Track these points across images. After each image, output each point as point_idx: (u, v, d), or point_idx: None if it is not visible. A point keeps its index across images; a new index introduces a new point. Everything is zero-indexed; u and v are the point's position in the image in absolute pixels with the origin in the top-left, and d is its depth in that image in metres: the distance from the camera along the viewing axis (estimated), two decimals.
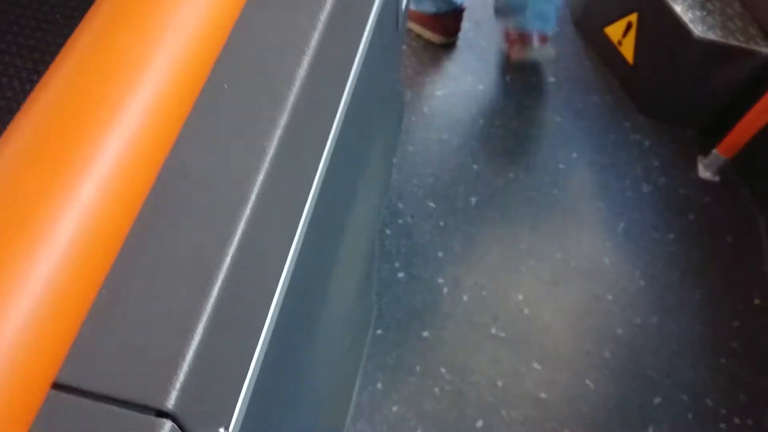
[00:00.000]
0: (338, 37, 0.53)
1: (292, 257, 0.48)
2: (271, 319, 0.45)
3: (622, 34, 1.95)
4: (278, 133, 0.40)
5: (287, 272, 0.47)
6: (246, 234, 0.37)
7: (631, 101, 1.99)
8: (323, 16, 0.46)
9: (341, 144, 0.61)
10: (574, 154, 1.87)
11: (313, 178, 0.52)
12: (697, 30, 1.70)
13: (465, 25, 2.11)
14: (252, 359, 0.42)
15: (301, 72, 0.44)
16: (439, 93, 1.93)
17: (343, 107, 0.61)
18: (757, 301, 1.67)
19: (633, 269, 1.68)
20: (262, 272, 0.43)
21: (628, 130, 1.94)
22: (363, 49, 0.66)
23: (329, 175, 0.57)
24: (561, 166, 1.85)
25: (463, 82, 1.97)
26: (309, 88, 0.45)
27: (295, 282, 0.50)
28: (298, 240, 0.50)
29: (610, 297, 1.62)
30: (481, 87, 1.97)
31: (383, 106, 1.17)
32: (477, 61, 2.04)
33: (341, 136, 0.60)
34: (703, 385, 1.55)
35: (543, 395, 1.46)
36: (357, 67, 0.64)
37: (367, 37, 0.67)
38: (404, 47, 1.99)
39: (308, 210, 0.52)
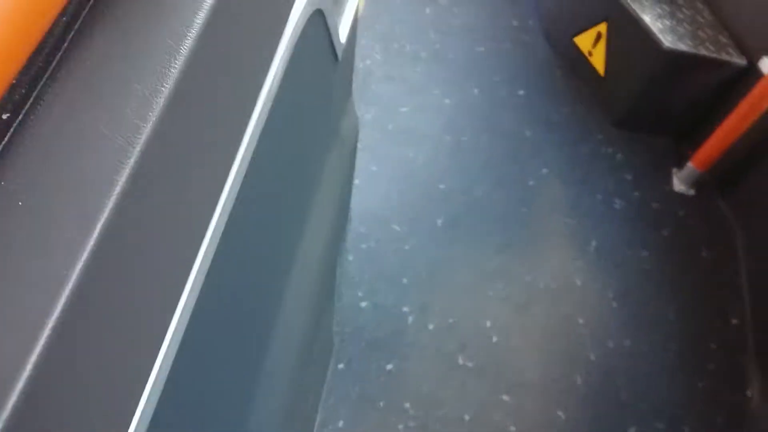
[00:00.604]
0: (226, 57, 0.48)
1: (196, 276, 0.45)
2: (172, 341, 0.41)
3: (592, 45, 1.89)
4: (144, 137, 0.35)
5: (189, 291, 0.43)
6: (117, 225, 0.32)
7: (603, 113, 1.94)
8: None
9: (259, 167, 0.56)
10: (544, 170, 1.82)
11: (216, 200, 0.48)
12: (667, 40, 1.64)
13: (431, 36, 2.04)
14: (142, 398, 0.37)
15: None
16: (404, 109, 1.86)
17: (259, 129, 0.56)
18: (734, 321, 1.61)
19: (605, 289, 1.63)
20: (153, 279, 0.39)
21: (601, 142, 1.89)
22: (274, 75, 0.61)
23: (242, 197, 0.53)
24: (530, 182, 1.79)
25: (430, 97, 1.91)
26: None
27: (207, 307, 0.46)
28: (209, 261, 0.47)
29: (581, 320, 1.56)
30: (447, 101, 1.90)
31: (329, 129, 1.12)
32: (444, 73, 1.97)
33: (261, 157, 0.56)
34: (681, 407, 1.50)
35: (512, 428, 1.40)
36: (269, 92, 0.59)
37: (280, 65, 0.62)
38: (368, 62, 1.93)
39: (215, 230, 0.48)
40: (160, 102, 0.37)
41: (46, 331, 0.28)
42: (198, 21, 0.41)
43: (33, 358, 0.27)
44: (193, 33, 0.40)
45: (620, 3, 1.73)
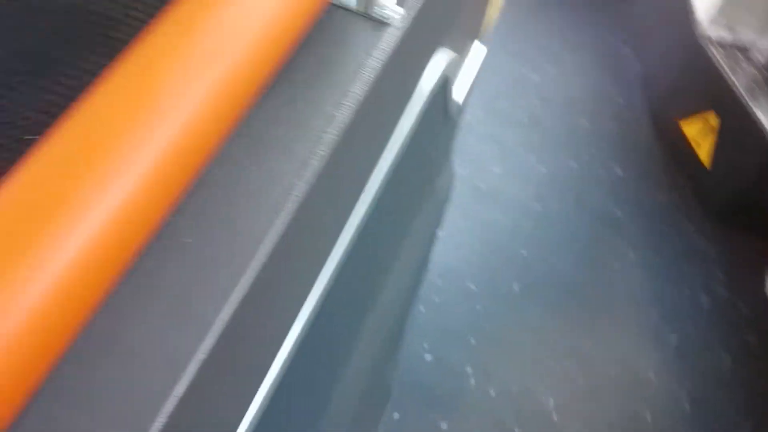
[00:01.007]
0: (371, 120, 0.51)
1: (305, 320, 0.47)
2: (272, 380, 0.43)
3: (699, 133, 1.85)
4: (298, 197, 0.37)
5: (295, 336, 0.46)
6: (252, 291, 0.34)
7: (700, 204, 1.87)
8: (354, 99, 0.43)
9: (372, 214, 0.59)
10: (632, 254, 1.77)
11: (332, 246, 0.51)
12: None
13: (534, 101, 2.05)
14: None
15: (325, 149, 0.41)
16: (497, 170, 1.87)
17: (377, 184, 0.58)
18: None
19: (679, 389, 1.55)
20: (266, 330, 0.41)
21: (695, 234, 1.83)
22: (399, 136, 0.63)
23: (354, 245, 0.55)
24: (615, 264, 1.74)
25: (525, 162, 1.90)
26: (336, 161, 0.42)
27: (303, 347, 0.48)
28: (313, 303, 0.49)
29: (649, 418, 1.49)
30: (542, 169, 1.90)
31: (427, 182, 1.14)
32: (542, 141, 1.97)
33: (374, 207, 0.59)
34: None
35: None
36: (392, 150, 0.61)
37: (405, 127, 0.64)
38: (468, 118, 1.95)
39: (327, 276, 0.51)
40: (315, 164, 0.40)
41: (196, 364, 0.30)
42: (356, 93, 0.44)
43: (181, 388, 0.29)
44: (351, 104, 0.43)
45: (737, 97, 1.69)
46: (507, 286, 1.65)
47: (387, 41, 0.47)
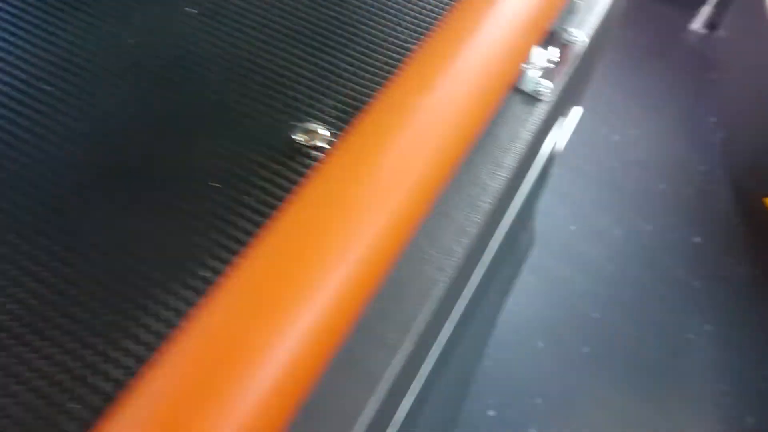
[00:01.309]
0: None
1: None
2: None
3: None
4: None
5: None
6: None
7: None
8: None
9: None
10: (708, 327, 1.71)
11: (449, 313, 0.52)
12: None
13: (614, 163, 2.04)
14: None
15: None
16: (572, 228, 1.85)
17: (495, 246, 0.60)
18: None
19: None
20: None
21: None
22: (522, 196, 0.64)
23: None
24: (690, 336, 1.69)
25: (600, 223, 1.88)
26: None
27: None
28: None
29: None
30: (618, 231, 1.87)
31: (514, 240, 1.15)
32: (619, 203, 1.94)
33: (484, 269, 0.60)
34: None
35: None
36: (512, 213, 0.62)
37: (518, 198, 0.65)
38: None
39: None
40: (473, 231, 0.41)
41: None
42: (509, 164, 0.45)
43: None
44: (504, 175, 0.44)
45: None
46: (576, 349, 1.62)
47: (537, 115, 0.48)
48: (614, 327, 1.67)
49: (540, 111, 0.48)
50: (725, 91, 2.31)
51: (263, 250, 0.30)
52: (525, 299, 1.67)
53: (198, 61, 0.50)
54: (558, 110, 0.62)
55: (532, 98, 0.48)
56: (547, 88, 0.49)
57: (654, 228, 1.90)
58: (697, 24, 2.57)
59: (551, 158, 0.92)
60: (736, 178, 2.04)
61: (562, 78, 0.51)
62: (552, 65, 0.51)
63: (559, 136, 1.04)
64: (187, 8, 0.53)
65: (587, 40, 0.54)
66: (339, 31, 0.52)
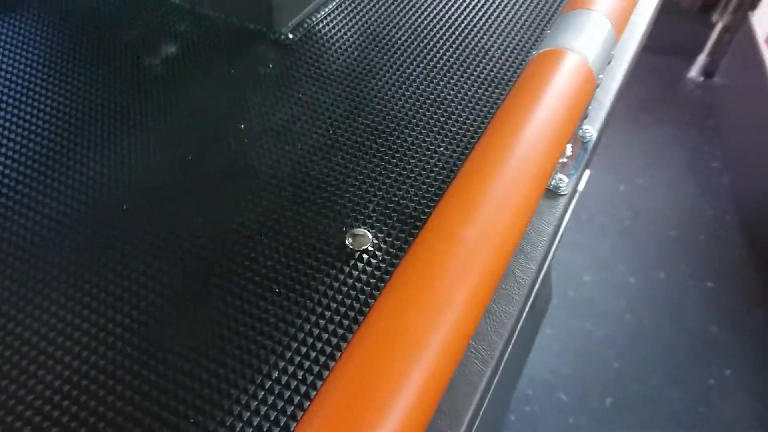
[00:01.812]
0: None
1: None
2: None
3: None
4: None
5: None
6: None
7: None
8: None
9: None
10: (728, 371, 1.72)
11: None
12: None
13: (623, 212, 2.08)
14: None
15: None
16: (587, 278, 1.89)
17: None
18: None
19: None
20: None
21: None
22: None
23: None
24: (711, 381, 1.70)
25: (614, 272, 1.92)
26: None
27: None
28: None
29: None
30: (632, 280, 1.90)
31: (534, 300, 1.18)
32: (632, 251, 1.98)
33: None
34: None
35: None
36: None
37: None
38: None
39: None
40: (509, 323, 0.46)
41: None
42: (537, 257, 0.50)
43: None
44: (534, 268, 0.49)
45: None
46: (599, 400, 1.63)
47: (559, 209, 0.53)
48: (636, 376, 1.69)
49: (561, 204, 0.53)
50: (726, 136, 2.37)
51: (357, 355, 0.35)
52: (546, 353, 1.70)
53: (251, 173, 0.55)
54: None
55: (554, 193, 0.53)
56: (566, 183, 0.54)
57: (667, 275, 1.93)
58: (695, 72, 2.66)
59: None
60: (745, 222, 2.08)
61: (579, 171, 0.57)
62: (567, 160, 0.57)
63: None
64: (240, 125, 0.59)
65: (597, 134, 0.60)
66: (377, 139, 0.58)
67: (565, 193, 0.54)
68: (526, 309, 0.65)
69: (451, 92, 0.63)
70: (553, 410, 1.61)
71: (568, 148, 0.57)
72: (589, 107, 0.58)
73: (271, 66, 0.66)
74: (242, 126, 0.60)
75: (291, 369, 0.42)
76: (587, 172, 1.29)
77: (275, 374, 0.42)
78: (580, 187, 1.28)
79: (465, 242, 0.36)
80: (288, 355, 0.43)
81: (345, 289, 0.47)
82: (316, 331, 0.44)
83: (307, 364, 0.42)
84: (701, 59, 2.65)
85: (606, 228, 2.03)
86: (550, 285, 1.47)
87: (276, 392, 0.41)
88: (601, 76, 0.50)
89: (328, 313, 0.45)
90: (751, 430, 1.62)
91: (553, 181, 0.54)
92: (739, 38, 2.47)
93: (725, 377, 1.72)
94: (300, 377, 0.41)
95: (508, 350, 0.61)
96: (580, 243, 1.97)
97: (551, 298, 1.42)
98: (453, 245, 0.36)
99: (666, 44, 2.79)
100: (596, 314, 1.81)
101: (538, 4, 0.75)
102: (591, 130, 0.59)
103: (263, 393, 0.41)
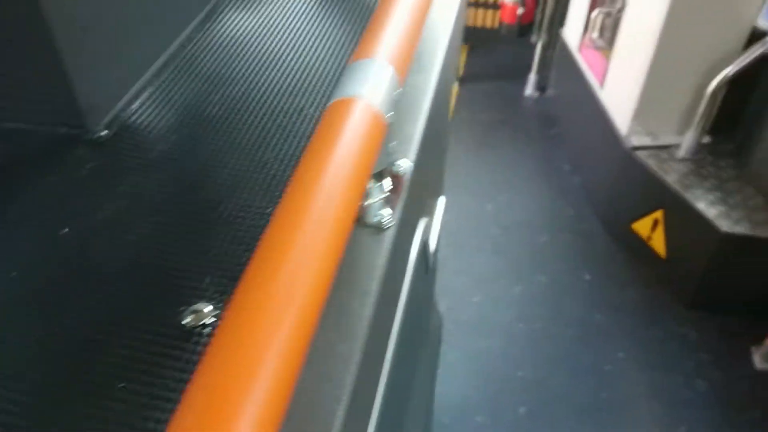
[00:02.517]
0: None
1: None
2: None
3: (650, 230, 2.00)
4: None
5: None
6: None
7: (670, 295, 1.99)
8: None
9: (390, 371, 0.65)
10: (620, 354, 1.84)
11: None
12: (724, 225, 1.74)
13: (494, 230, 2.20)
14: None
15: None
16: (475, 299, 1.96)
17: (392, 348, 0.65)
18: None
19: None
20: None
21: (673, 324, 1.92)
22: (403, 300, 0.72)
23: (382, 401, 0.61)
24: (607, 367, 1.81)
25: (498, 286, 2.01)
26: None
27: None
28: None
29: None
30: (517, 289, 2.00)
31: (424, 330, 1.21)
32: (509, 264, 2.09)
33: (390, 365, 0.65)
34: None
35: None
36: (398, 317, 0.69)
37: (405, 292, 0.73)
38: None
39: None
40: (356, 358, 0.48)
41: None
42: (373, 288, 0.53)
43: None
44: (372, 299, 0.52)
45: (674, 193, 1.86)
46: (513, 412, 1.68)
47: (387, 241, 0.57)
48: (539, 380, 1.76)
49: (388, 237, 0.57)
50: (569, 140, 2.59)
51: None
52: (453, 378, 1.73)
53: (81, 274, 0.55)
54: (408, 228, 0.71)
55: (378, 228, 0.57)
56: (389, 217, 0.58)
57: (547, 277, 2.05)
58: (530, 90, 2.89)
59: (427, 253, 1.01)
60: (602, 213, 2.25)
61: (400, 203, 0.61)
62: (388, 194, 0.61)
63: (430, 231, 1.14)
64: (63, 230, 0.58)
65: (412, 165, 0.64)
66: (204, 212, 0.59)
67: (389, 226, 0.58)
68: (391, 336, 0.67)
69: (272, 154, 0.66)
70: None
71: (387, 183, 0.61)
72: (393, 143, 0.63)
73: (88, 166, 0.66)
74: (66, 230, 0.59)
75: None
76: (442, 201, 1.36)
77: None
78: (438, 217, 1.33)
79: (274, 295, 0.38)
80: None
81: (191, 367, 0.47)
82: (166, 417, 0.44)
83: None
84: (532, 77, 2.89)
85: (481, 248, 2.13)
86: (438, 313, 1.52)
87: None
88: (390, 113, 0.54)
89: (176, 396, 0.45)
90: (654, 399, 1.73)
91: (376, 217, 0.57)
92: (557, 53, 2.73)
93: (619, 359, 1.83)
94: None
95: (381, 379, 0.62)
96: (460, 268, 2.06)
97: (441, 324, 1.47)
98: (266, 292, 0.38)
99: (499, 70, 3.03)
100: (491, 330, 1.88)
101: (342, 62, 0.80)
102: (405, 162, 0.64)
103: None
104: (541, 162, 2.53)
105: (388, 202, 0.61)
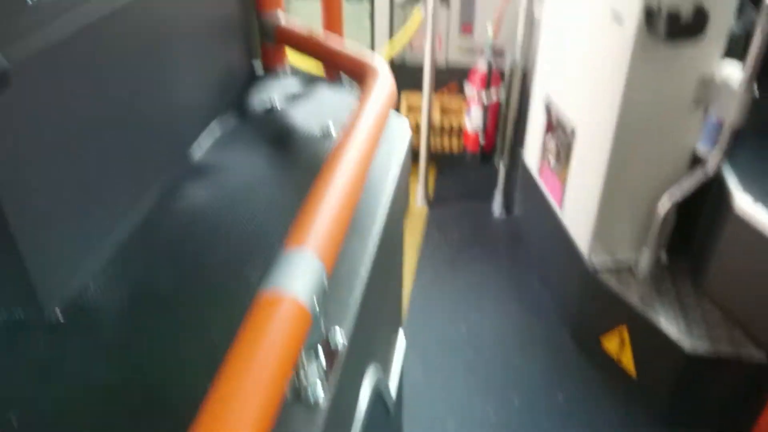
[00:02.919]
0: None
1: None
2: None
3: (618, 347, 2.03)
4: None
5: None
6: None
7: (642, 410, 1.99)
8: None
9: None
10: None
11: None
12: (687, 345, 1.77)
13: (468, 352, 2.22)
14: None
15: None
16: (450, 425, 1.95)
17: None
18: None
19: None
20: None
21: None
22: None
23: None
24: None
25: (473, 409, 2.01)
26: None
27: None
28: None
29: None
30: (491, 411, 1.99)
31: None
32: (484, 384, 2.10)
33: None
34: None
35: None
36: None
37: None
38: (412, 380, 2.08)
39: None
40: None
41: None
42: None
43: None
44: None
45: (632, 308, 1.92)
46: None
47: (319, 418, 0.61)
48: None
49: (320, 416, 0.61)
50: (537, 258, 2.66)
51: None
52: None
53: None
54: (354, 378, 0.75)
55: (312, 406, 0.61)
56: (320, 395, 0.62)
57: (520, 398, 2.05)
58: (497, 211, 3.00)
59: (385, 398, 1.03)
60: (572, 329, 2.29)
61: (336, 373, 0.65)
62: (324, 370, 0.65)
63: (388, 374, 1.17)
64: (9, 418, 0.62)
65: (346, 342, 0.69)
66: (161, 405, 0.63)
67: (321, 399, 0.62)
68: None
69: (225, 335, 0.71)
70: None
71: (323, 361, 0.65)
72: (323, 317, 0.68)
73: (43, 350, 0.70)
74: (12, 419, 0.62)
75: None
76: (400, 332, 1.38)
77: None
78: (399, 358, 1.34)
79: None
80: None
81: None
82: None
83: None
84: (498, 199, 3.01)
85: (455, 370, 2.15)
86: None
87: None
88: (317, 309, 0.59)
89: None
90: None
91: (310, 394, 0.61)
92: (519, 175, 2.86)
93: None
94: None
95: None
96: (435, 395, 2.06)
97: None
98: None
99: (467, 192, 3.16)
100: None
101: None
102: (339, 335, 0.69)
103: None
104: (511, 279, 2.60)
105: (325, 377, 0.65)
